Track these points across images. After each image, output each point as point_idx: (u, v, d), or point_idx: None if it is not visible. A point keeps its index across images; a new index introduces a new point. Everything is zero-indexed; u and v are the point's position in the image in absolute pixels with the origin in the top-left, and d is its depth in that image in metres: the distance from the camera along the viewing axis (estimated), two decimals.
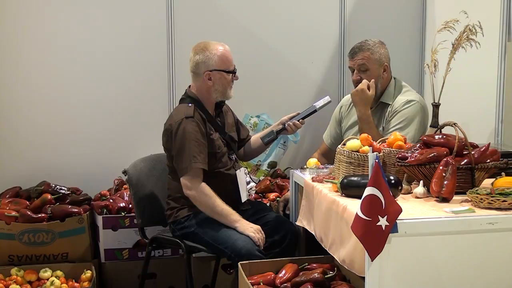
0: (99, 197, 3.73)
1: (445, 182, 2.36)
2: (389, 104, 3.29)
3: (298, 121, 3.19)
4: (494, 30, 3.28)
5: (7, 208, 3.48)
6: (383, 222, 2.01)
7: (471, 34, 2.94)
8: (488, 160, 2.51)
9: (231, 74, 3.06)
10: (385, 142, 2.77)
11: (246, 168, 3.90)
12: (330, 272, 2.61)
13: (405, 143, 2.74)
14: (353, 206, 2.26)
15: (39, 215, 3.46)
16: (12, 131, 3.86)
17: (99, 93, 3.94)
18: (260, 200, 3.64)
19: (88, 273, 3.34)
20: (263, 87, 4.14)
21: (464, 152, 2.52)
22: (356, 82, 3.30)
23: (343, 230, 2.35)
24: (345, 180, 2.52)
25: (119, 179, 3.82)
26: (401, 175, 2.57)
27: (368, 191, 2.03)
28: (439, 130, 2.69)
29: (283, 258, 2.81)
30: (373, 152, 2.20)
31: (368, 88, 3.22)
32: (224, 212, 2.95)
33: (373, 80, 3.24)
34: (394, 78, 3.37)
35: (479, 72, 3.47)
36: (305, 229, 2.89)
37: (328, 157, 3.48)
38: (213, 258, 3.47)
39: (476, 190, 2.36)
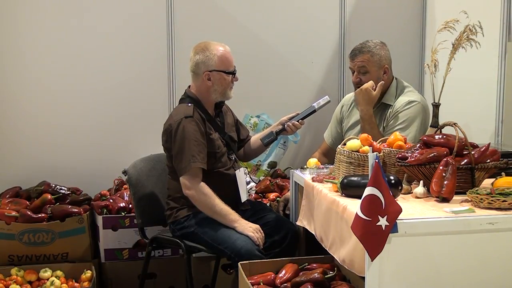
0: (99, 197, 3.73)
1: (445, 182, 2.36)
2: (391, 105, 3.29)
3: (298, 121, 3.19)
4: (494, 30, 3.28)
5: (7, 208, 3.48)
6: (383, 222, 2.01)
7: (471, 34, 2.93)
8: (488, 160, 2.51)
9: (230, 75, 3.06)
10: (385, 142, 2.77)
11: (246, 168, 3.90)
12: (330, 272, 2.61)
13: (405, 143, 2.74)
14: (353, 206, 2.26)
15: (39, 215, 3.45)
16: (13, 131, 3.86)
17: (99, 93, 3.94)
18: (260, 200, 3.64)
19: (88, 273, 3.34)
20: (263, 87, 4.14)
21: (464, 152, 2.52)
22: (356, 84, 3.30)
23: (343, 230, 2.35)
24: (345, 180, 2.52)
25: (119, 179, 3.82)
26: (401, 175, 2.57)
27: (368, 191, 2.03)
28: (439, 130, 2.69)
29: (283, 258, 2.81)
30: (373, 152, 2.20)
31: (373, 88, 3.23)
32: (223, 212, 2.95)
33: (382, 82, 3.24)
34: (396, 79, 3.36)
35: (479, 72, 3.47)
36: (305, 229, 2.90)
37: (328, 156, 3.48)
38: (213, 258, 3.47)
39: (476, 190, 2.36)
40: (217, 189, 2.98)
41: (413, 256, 2.13)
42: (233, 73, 3.07)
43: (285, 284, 2.61)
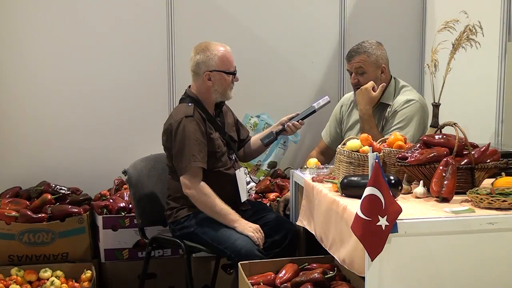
0: (99, 197, 3.73)
1: (445, 182, 2.36)
2: (389, 105, 3.29)
3: (298, 121, 3.19)
4: (494, 30, 3.28)
5: (7, 208, 3.48)
6: (383, 222, 2.01)
7: (471, 34, 2.93)
8: (488, 160, 2.51)
9: (231, 76, 3.06)
10: (385, 142, 2.77)
11: (246, 168, 3.90)
12: (330, 272, 2.61)
13: (405, 143, 2.74)
14: (353, 206, 2.26)
15: (39, 215, 3.45)
16: (13, 131, 3.86)
17: (99, 93, 3.94)
18: (260, 200, 3.64)
19: (88, 273, 3.34)
20: (263, 87, 4.14)
21: (464, 152, 2.52)
22: (355, 85, 3.31)
23: (343, 230, 2.35)
24: (345, 180, 2.52)
25: (119, 179, 3.82)
26: (401, 175, 2.57)
27: (368, 191, 2.03)
28: (439, 130, 2.69)
29: (283, 258, 2.81)
30: (373, 152, 2.20)
31: (374, 89, 3.23)
32: (223, 212, 2.95)
33: (383, 84, 3.24)
34: (394, 78, 3.36)
35: (479, 72, 3.47)
36: (305, 229, 2.89)
37: (326, 155, 3.49)
38: (213, 258, 3.47)
39: (476, 190, 2.36)
40: (217, 189, 2.98)
41: (413, 256, 2.13)
42: (233, 73, 3.07)
43: (285, 284, 2.60)
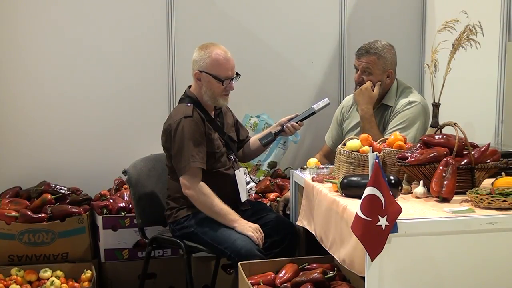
0: (99, 197, 3.73)
1: (445, 182, 2.36)
2: (391, 106, 3.28)
3: (297, 122, 3.18)
4: (494, 30, 3.28)
5: (7, 208, 3.49)
6: (383, 222, 2.01)
7: (471, 34, 2.94)
8: (488, 160, 2.51)
9: (221, 82, 3.00)
10: (385, 142, 2.77)
11: (246, 168, 3.90)
12: (330, 272, 2.61)
13: (405, 143, 2.74)
14: (353, 206, 2.26)
15: (39, 215, 3.46)
16: (13, 131, 3.86)
17: (99, 93, 3.95)
18: (260, 200, 3.64)
19: (88, 273, 3.34)
20: (263, 87, 4.14)
21: (464, 152, 2.52)
22: (358, 83, 3.30)
23: (343, 230, 2.35)
24: (345, 180, 2.52)
25: (119, 179, 3.82)
26: (401, 175, 2.57)
27: (368, 191, 2.03)
28: (439, 130, 2.69)
29: (283, 258, 2.81)
30: (373, 152, 2.20)
31: (372, 87, 3.23)
32: (222, 212, 2.95)
33: (379, 82, 3.24)
34: (397, 80, 3.36)
35: (479, 72, 3.47)
36: (305, 229, 2.90)
37: (330, 158, 3.47)
38: (213, 258, 3.47)
39: (476, 190, 2.36)
40: (217, 189, 2.98)
41: (413, 256, 2.13)
42: (222, 80, 2.99)
43: (285, 284, 2.60)
